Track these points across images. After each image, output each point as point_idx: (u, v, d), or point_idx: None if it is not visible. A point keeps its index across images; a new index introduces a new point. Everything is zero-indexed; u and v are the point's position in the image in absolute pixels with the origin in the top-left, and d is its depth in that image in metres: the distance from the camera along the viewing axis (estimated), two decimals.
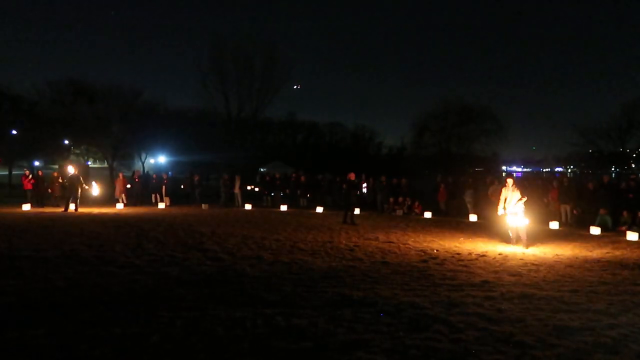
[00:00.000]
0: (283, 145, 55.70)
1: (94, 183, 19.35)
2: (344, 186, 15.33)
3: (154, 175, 22.81)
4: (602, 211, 14.17)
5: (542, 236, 12.08)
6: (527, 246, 10.29)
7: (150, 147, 42.40)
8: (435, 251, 9.75)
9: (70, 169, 17.79)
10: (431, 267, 8.09)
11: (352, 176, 14.92)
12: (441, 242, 10.96)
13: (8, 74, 74.58)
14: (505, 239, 11.02)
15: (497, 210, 11.00)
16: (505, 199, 10.72)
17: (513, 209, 10.55)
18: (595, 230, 13.09)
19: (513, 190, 10.62)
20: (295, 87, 36.48)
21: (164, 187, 20.81)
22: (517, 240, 10.66)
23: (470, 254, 9.52)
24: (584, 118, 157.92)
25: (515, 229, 10.70)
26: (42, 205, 18.54)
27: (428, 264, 8.38)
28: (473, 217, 16.49)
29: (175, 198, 21.47)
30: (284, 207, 19.07)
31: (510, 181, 10.81)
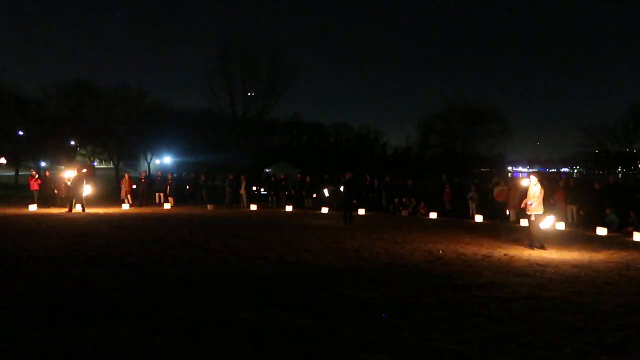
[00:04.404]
0: (288, 145, 55.70)
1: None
2: (341, 186, 15.79)
3: (159, 173, 22.90)
4: (608, 211, 14.11)
5: (549, 237, 12.01)
6: (536, 247, 10.18)
7: (155, 147, 42.55)
8: (440, 252, 9.72)
9: (69, 174, 17.91)
10: (436, 268, 8.07)
11: (349, 175, 15.56)
12: (447, 243, 10.93)
13: (15, 74, 75.10)
14: (528, 242, 10.60)
15: (505, 211, 10.83)
16: (526, 197, 10.41)
17: (535, 209, 10.25)
18: (601, 231, 13.02)
19: (534, 186, 10.27)
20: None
21: (168, 187, 20.90)
22: (534, 242, 10.32)
23: (475, 254, 9.49)
24: (591, 118, 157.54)
25: (541, 230, 10.41)
26: (49, 206, 18.63)
27: (433, 265, 8.36)
28: (479, 218, 16.44)
29: (181, 198, 21.54)
30: (289, 208, 19.10)
31: (534, 178, 10.47)
